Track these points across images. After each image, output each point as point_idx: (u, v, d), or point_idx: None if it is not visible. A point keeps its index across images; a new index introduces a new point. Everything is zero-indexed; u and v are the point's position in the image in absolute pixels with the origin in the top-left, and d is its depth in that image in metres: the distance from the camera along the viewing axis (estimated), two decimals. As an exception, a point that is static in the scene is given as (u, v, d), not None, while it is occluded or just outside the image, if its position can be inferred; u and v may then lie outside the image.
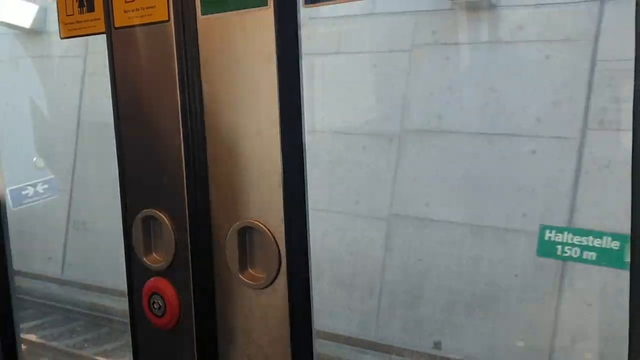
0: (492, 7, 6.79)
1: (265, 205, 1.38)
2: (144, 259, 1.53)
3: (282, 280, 1.36)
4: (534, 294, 6.68)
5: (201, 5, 1.39)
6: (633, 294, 1.07)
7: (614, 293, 6.36)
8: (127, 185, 1.56)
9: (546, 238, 6.62)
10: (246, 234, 1.42)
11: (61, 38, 1.67)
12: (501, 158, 6.76)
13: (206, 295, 1.48)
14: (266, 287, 1.38)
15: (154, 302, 1.51)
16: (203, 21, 1.39)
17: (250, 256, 1.42)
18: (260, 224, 1.38)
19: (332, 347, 6.91)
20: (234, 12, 1.34)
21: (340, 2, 1.28)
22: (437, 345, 6.69)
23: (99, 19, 1.55)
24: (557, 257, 6.58)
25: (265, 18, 1.29)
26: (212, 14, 1.38)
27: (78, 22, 1.60)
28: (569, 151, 6.40)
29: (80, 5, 1.58)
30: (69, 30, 1.64)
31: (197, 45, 1.41)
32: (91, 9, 1.57)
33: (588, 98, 6.34)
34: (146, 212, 1.52)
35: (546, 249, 6.63)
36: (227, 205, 1.44)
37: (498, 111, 6.75)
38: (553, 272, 6.59)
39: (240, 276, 1.42)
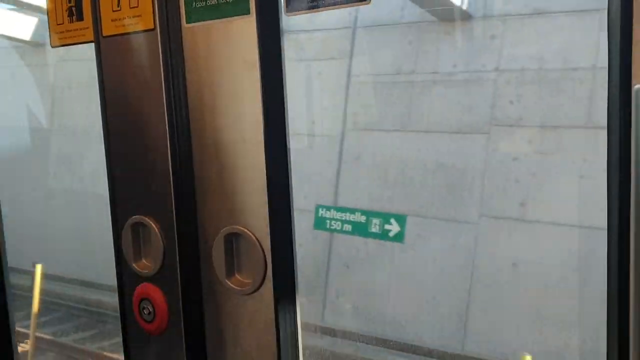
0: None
1: (250, 211, 1.32)
2: (134, 265, 1.45)
3: (268, 286, 1.32)
4: (312, 260, 7.44)
5: (186, 14, 1.33)
6: (610, 291, 1.06)
7: (364, 256, 7.80)
8: (116, 193, 1.47)
9: (319, 215, 7.71)
10: (232, 240, 1.35)
11: (52, 47, 1.58)
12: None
13: (194, 300, 1.42)
14: (253, 292, 1.34)
15: (143, 308, 1.44)
16: (188, 30, 1.34)
17: (237, 262, 1.36)
18: (246, 230, 1.32)
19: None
20: (218, 20, 1.29)
21: (319, 11, 1.26)
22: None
23: (87, 28, 1.49)
24: (328, 230, 7.94)
25: (248, 26, 1.26)
26: (196, 22, 1.33)
27: (68, 31, 1.54)
28: (333, 146, 7.22)
29: (70, 15, 1.53)
30: (59, 39, 1.56)
31: (182, 53, 1.35)
32: (80, 18, 1.51)
33: (346, 104, 7.74)
34: (135, 218, 1.43)
35: (320, 223, 7.26)
36: (213, 212, 1.37)
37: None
38: (325, 242, 8.02)
39: (227, 282, 1.35)
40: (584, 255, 5.77)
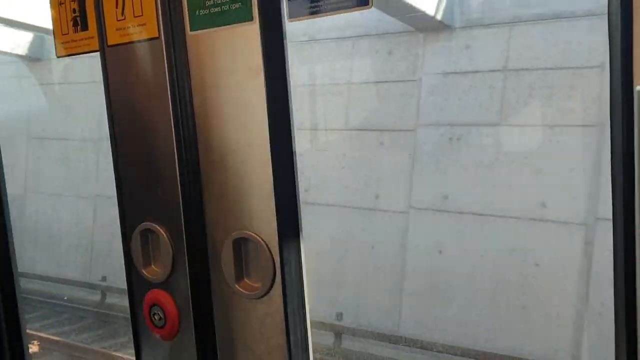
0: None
1: (258, 216, 1.32)
2: (144, 271, 1.44)
3: (277, 290, 1.31)
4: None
5: (190, 22, 1.33)
6: (616, 287, 1.06)
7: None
8: (124, 200, 1.45)
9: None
10: (241, 244, 1.35)
11: (57, 57, 1.56)
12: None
13: (204, 305, 1.41)
14: (262, 296, 1.33)
15: (154, 314, 1.43)
16: (192, 37, 1.34)
17: (246, 266, 1.36)
18: (254, 235, 1.32)
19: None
20: (222, 27, 1.29)
21: (322, 16, 1.27)
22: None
23: (92, 38, 1.48)
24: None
25: (251, 33, 1.26)
26: (200, 30, 1.32)
27: (73, 40, 1.53)
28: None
29: (75, 25, 1.52)
30: (65, 49, 1.55)
31: (187, 61, 1.35)
32: (85, 27, 1.50)
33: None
34: (144, 225, 1.42)
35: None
36: (221, 217, 1.37)
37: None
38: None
39: (237, 286, 1.35)
40: (348, 229, 7.24)
